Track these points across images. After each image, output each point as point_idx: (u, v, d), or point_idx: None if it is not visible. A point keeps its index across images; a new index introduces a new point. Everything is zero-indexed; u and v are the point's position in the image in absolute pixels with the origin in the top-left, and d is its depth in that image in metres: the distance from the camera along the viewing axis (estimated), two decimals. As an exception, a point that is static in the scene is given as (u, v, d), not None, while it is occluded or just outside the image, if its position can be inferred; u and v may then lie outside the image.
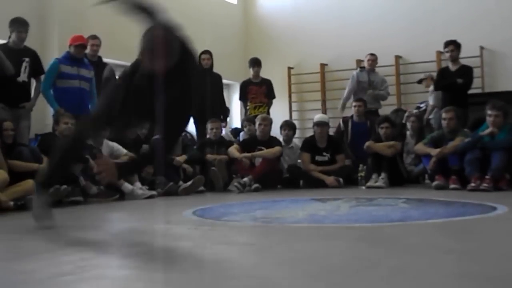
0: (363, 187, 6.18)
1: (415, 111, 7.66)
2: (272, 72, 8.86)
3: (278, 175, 6.69)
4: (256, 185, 6.19)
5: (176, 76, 2.92)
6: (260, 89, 7.90)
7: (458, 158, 5.62)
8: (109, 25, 7.50)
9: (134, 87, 3.07)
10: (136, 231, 3.22)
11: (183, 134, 8.03)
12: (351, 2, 10.01)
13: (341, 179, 6.45)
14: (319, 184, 6.41)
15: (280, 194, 5.77)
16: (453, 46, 7.01)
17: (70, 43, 6.05)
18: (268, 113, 7.72)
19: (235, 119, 9.94)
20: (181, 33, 3.11)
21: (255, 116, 7.19)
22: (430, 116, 7.60)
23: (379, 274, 1.86)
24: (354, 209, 4.04)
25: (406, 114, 7.39)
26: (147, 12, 3.10)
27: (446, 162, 5.71)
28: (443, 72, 7.18)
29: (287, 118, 9.38)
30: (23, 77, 5.75)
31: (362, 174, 6.38)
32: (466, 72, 7.00)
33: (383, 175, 6.15)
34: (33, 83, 5.95)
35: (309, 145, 6.87)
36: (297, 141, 7.63)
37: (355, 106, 7.31)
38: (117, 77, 6.49)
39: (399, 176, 6.34)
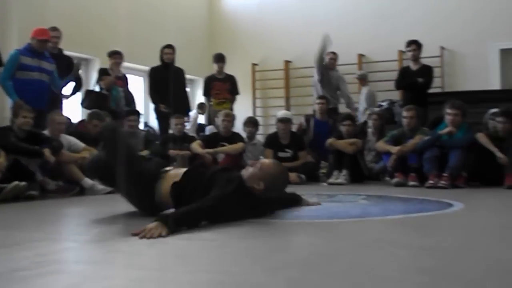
0: (325, 184, 6.24)
1: (376, 109, 7.77)
2: (237, 68, 8.87)
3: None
4: (218, 181, 6.17)
5: None
6: (224, 85, 7.89)
7: (417, 156, 5.73)
8: (69, 17, 7.39)
9: None
10: (94, 226, 3.17)
11: (146, 129, 7.99)
12: (316, 0, 10.09)
13: (303, 176, 6.50)
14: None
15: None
16: (415, 45, 7.14)
17: (33, 36, 5.90)
18: (232, 109, 7.72)
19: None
20: None
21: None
22: (364, 118, 7.71)
23: (336, 269, 1.88)
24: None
25: (368, 112, 7.49)
26: None
27: (406, 159, 5.81)
28: (404, 72, 7.30)
29: (251, 114, 9.41)
30: None
31: (324, 171, 6.44)
32: (426, 71, 7.14)
33: (344, 172, 6.23)
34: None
35: (272, 141, 6.90)
36: (260, 137, 7.66)
37: (318, 104, 7.36)
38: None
39: (360, 173, 6.42)
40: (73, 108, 7.35)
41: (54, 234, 2.86)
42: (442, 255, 2.11)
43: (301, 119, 7.72)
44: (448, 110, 5.71)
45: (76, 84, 6.77)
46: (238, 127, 7.31)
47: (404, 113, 6.10)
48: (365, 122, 7.36)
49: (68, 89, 6.74)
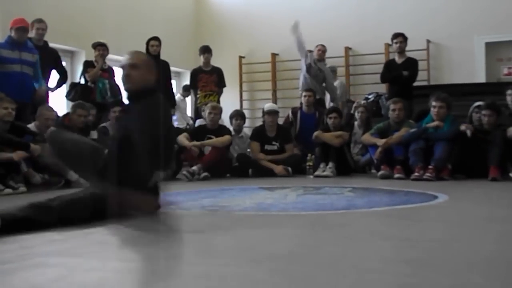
0: (311, 176, 6.26)
1: (363, 101, 7.80)
2: (223, 61, 8.85)
3: (227, 164, 6.70)
4: (205, 173, 6.18)
5: None
6: (210, 78, 7.86)
7: (403, 149, 5.77)
8: (55, 9, 7.33)
9: None
10: (84, 223, 3.16)
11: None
12: (302, -8, 10.09)
13: (289, 168, 6.52)
14: (268, 173, 6.46)
15: (228, 182, 5.78)
16: (401, 38, 7.17)
17: (11, 26, 5.83)
18: (219, 101, 7.70)
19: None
20: None
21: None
22: None
23: (320, 260, 1.90)
24: (301, 197, 4.10)
25: (354, 105, 7.52)
26: None
27: (392, 152, 5.85)
28: (389, 65, 7.33)
29: (238, 107, 9.41)
30: None
31: (310, 163, 6.46)
32: (411, 64, 7.17)
33: (330, 164, 6.25)
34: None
35: (259, 134, 6.91)
36: (247, 130, 7.66)
37: (305, 96, 7.36)
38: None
39: (346, 166, 6.45)
40: (58, 101, 7.29)
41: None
42: (426, 246, 2.13)
43: (287, 112, 7.72)
44: (433, 103, 5.75)
45: (61, 76, 6.72)
46: (225, 120, 7.30)
47: (392, 106, 6.13)
48: (352, 115, 7.38)
49: (53, 82, 6.69)
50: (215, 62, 8.02)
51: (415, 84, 7.44)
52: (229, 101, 8.83)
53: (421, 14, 9.24)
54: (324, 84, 7.93)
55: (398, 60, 7.22)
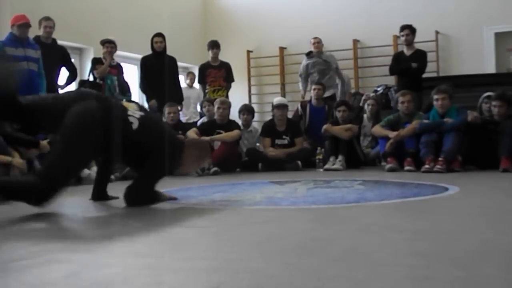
0: (321, 170, 6.25)
1: (372, 94, 7.77)
2: (231, 55, 8.85)
3: (237, 159, 6.71)
4: (215, 168, 6.19)
5: None
6: (219, 73, 7.87)
7: (414, 141, 5.74)
8: (63, 7, 7.35)
9: None
10: (91, 215, 3.18)
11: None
12: (309, -15, 10.05)
13: (299, 162, 6.52)
14: (278, 167, 6.46)
15: (238, 177, 5.78)
16: (409, 30, 7.13)
17: (13, 24, 5.81)
18: (227, 96, 7.70)
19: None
20: None
21: (216, 99, 7.17)
22: None
23: (332, 254, 1.89)
24: (311, 191, 4.09)
25: (363, 97, 7.50)
26: None
27: (403, 144, 5.83)
28: (398, 57, 7.29)
29: (246, 101, 9.40)
30: None
31: (320, 157, 6.46)
32: (420, 56, 7.13)
33: (340, 157, 6.24)
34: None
35: (269, 129, 6.91)
36: (256, 124, 7.66)
37: (314, 89, 7.36)
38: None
39: (356, 159, 6.44)
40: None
41: (50, 224, 2.86)
42: (437, 238, 2.12)
43: (296, 106, 7.72)
44: (435, 96, 5.74)
45: (70, 74, 6.75)
46: (234, 115, 7.30)
47: (401, 98, 6.11)
48: (361, 108, 7.36)
49: (62, 79, 6.71)
50: (223, 56, 8.02)
51: (424, 75, 7.40)
52: (237, 96, 8.83)
53: (430, 5, 9.18)
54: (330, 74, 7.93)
55: (407, 52, 7.18)
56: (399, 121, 6.06)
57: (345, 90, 8.09)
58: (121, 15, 8.46)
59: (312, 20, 9.63)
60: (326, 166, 6.23)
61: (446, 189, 3.85)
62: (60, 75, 6.65)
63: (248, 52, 10.34)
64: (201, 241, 2.28)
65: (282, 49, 10.15)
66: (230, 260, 1.86)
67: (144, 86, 7.42)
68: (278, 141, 6.80)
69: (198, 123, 7.45)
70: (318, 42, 8.03)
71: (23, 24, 5.79)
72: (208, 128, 6.68)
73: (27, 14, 5.99)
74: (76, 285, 1.59)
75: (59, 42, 6.69)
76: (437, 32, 9.12)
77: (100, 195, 3.67)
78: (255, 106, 8.44)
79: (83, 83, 7.01)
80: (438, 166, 5.33)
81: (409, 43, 7.16)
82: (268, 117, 7.81)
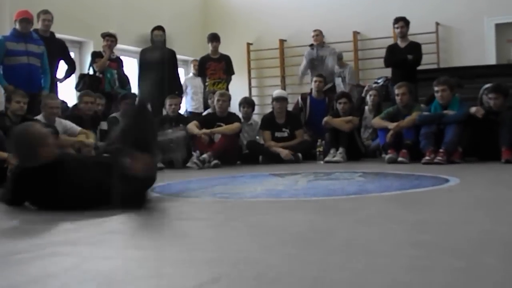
0: (321, 162, 6.25)
1: (374, 85, 7.76)
2: (231, 48, 8.82)
3: (237, 151, 6.70)
4: (215, 161, 6.19)
5: None
6: (219, 65, 7.85)
7: (413, 133, 5.74)
8: (62, 1, 7.32)
9: None
10: (94, 211, 3.18)
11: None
12: (309, -23, 10.01)
13: (299, 154, 6.52)
14: (278, 160, 6.46)
15: (239, 170, 5.79)
16: (403, 22, 7.13)
17: (15, 19, 5.86)
18: (227, 89, 7.69)
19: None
20: None
21: None
22: None
23: (333, 245, 1.90)
24: (311, 183, 4.10)
25: (365, 88, 7.48)
26: None
27: (401, 137, 5.82)
28: (393, 49, 7.27)
29: (247, 94, 9.38)
30: None
31: (320, 149, 6.45)
32: (415, 48, 7.13)
33: (340, 149, 6.24)
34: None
35: (269, 122, 6.89)
36: (256, 117, 7.65)
37: (315, 82, 7.35)
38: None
39: (356, 151, 6.43)
40: (68, 92, 7.31)
41: (51, 216, 2.87)
42: (437, 229, 2.13)
43: (297, 98, 7.71)
44: (436, 88, 5.73)
45: (69, 67, 6.74)
46: (234, 108, 7.29)
47: (396, 90, 6.10)
48: (362, 99, 7.35)
49: (61, 72, 6.70)
50: (223, 49, 8.00)
51: (425, 67, 7.38)
52: (238, 89, 8.81)
53: (430, -4, 9.14)
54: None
55: (401, 44, 7.17)
56: (399, 114, 6.05)
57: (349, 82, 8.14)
58: (120, 8, 8.43)
59: (312, 12, 9.60)
60: (327, 158, 6.23)
61: (447, 180, 3.85)
62: (59, 69, 6.63)
63: (248, 44, 10.31)
64: (201, 233, 2.29)
65: (282, 41, 10.12)
66: (230, 251, 1.86)
67: (140, 78, 7.38)
68: (278, 134, 6.79)
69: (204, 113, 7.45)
70: (317, 35, 8.02)
71: (24, 19, 5.82)
72: (209, 120, 6.67)
73: (27, 8, 5.97)
74: (77, 277, 1.60)
75: (59, 35, 6.68)
76: (437, 24, 9.09)
77: None
78: (255, 99, 8.42)
79: (83, 76, 7.00)
80: (439, 158, 5.33)
81: (404, 35, 7.16)
82: (269, 109, 7.80)
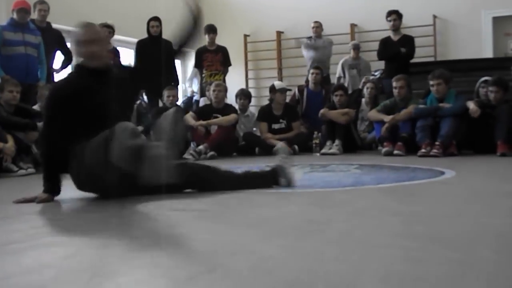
0: (318, 154, 6.26)
1: (371, 77, 7.75)
2: (228, 39, 8.79)
3: (233, 143, 6.71)
4: (211, 153, 6.19)
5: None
6: (216, 57, 7.84)
7: (409, 126, 5.75)
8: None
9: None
10: (90, 200, 3.18)
11: (138, 102, 7.94)
12: (307, -31, 9.97)
13: (296, 146, 6.52)
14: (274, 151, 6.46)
15: (235, 161, 5.78)
16: (396, 15, 7.16)
17: (13, 8, 5.85)
18: (224, 81, 7.68)
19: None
20: None
21: None
22: None
23: (328, 236, 1.90)
24: (308, 175, 4.10)
25: (363, 81, 7.48)
26: None
27: (398, 129, 5.83)
28: (386, 42, 7.28)
29: (243, 86, 9.38)
30: None
31: (317, 141, 6.46)
32: (408, 41, 7.15)
33: (337, 142, 6.25)
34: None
35: (265, 113, 6.90)
36: (253, 109, 7.65)
37: (312, 74, 7.35)
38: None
39: (352, 143, 6.45)
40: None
41: (46, 207, 2.87)
42: (432, 221, 2.13)
43: (294, 90, 7.70)
44: (431, 82, 5.74)
45: (66, 57, 6.71)
46: (231, 100, 7.28)
47: (394, 83, 6.10)
48: (360, 91, 7.35)
49: (58, 63, 6.68)
50: (220, 41, 7.98)
51: (421, 60, 7.39)
52: (234, 80, 8.80)
53: (427, -11, 9.12)
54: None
55: (394, 37, 7.20)
56: (395, 107, 6.06)
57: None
58: (117, -1, 8.39)
59: (309, 4, 9.58)
60: (323, 151, 6.23)
61: (443, 173, 3.86)
62: (55, 59, 6.61)
63: (245, 36, 10.29)
64: (197, 224, 2.29)
65: (279, 33, 10.10)
66: (226, 242, 1.86)
67: None
68: (274, 125, 6.79)
69: (201, 103, 7.46)
70: (317, 27, 8.03)
71: (21, 9, 5.81)
72: (205, 112, 6.66)
73: (23, -1, 5.95)
74: (72, 267, 1.60)
75: (55, 26, 6.65)
76: (434, 17, 9.08)
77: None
78: (252, 91, 8.41)
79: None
80: (435, 151, 5.34)
81: (396, 28, 7.17)
82: (265, 101, 7.79)
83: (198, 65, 7.92)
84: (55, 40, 6.49)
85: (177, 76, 7.76)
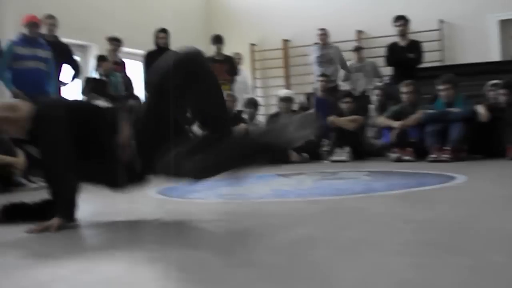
0: (327, 161, 6.25)
1: (380, 84, 7.74)
2: (235, 49, 8.82)
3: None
4: (221, 162, 6.19)
5: None
6: (222, 67, 7.86)
7: (418, 131, 5.73)
8: (65, 4, 7.35)
9: None
10: (100, 210, 3.19)
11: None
12: (312, -23, 10.00)
13: (305, 154, 6.51)
14: (284, 160, 6.44)
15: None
16: (403, 20, 7.14)
17: (23, 23, 5.91)
18: (232, 90, 7.70)
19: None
20: None
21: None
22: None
23: (340, 244, 1.89)
24: (317, 183, 4.10)
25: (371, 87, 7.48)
26: None
27: (407, 135, 5.82)
28: (393, 48, 7.26)
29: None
30: None
31: (326, 148, 6.45)
32: (415, 46, 7.12)
33: (346, 149, 6.23)
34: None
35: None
36: (261, 118, 7.65)
37: (319, 81, 7.36)
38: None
39: (362, 150, 6.43)
40: (73, 95, 7.33)
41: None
42: (446, 227, 2.12)
43: (302, 98, 7.71)
44: (440, 87, 5.72)
45: (74, 71, 6.76)
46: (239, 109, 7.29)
47: (404, 89, 6.09)
48: (366, 98, 7.34)
49: (66, 76, 6.73)
50: (226, 50, 8.01)
51: (428, 65, 7.37)
52: (242, 90, 8.80)
53: (433, -6, 9.12)
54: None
55: (401, 42, 7.17)
56: (404, 112, 6.04)
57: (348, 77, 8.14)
58: (123, 10, 8.45)
59: (316, 11, 9.59)
60: (332, 158, 6.22)
61: (453, 178, 3.84)
62: (63, 72, 6.66)
63: (252, 45, 10.32)
64: (206, 234, 2.29)
65: (285, 41, 10.12)
66: (236, 252, 1.86)
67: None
68: (283, 134, 6.78)
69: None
70: (322, 35, 8.04)
71: (32, 24, 5.87)
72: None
73: (30, 12, 6.00)
74: (85, 281, 1.60)
75: (63, 39, 6.70)
76: (441, 21, 9.07)
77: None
78: (260, 99, 8.42)
79: (88, 80, 7.02)
80: (445, 155, 5.32)
81: (404, 34, 7.15)
82: (273, 110, 7.79)
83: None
84: (63, 53, 6.54)
85: None
